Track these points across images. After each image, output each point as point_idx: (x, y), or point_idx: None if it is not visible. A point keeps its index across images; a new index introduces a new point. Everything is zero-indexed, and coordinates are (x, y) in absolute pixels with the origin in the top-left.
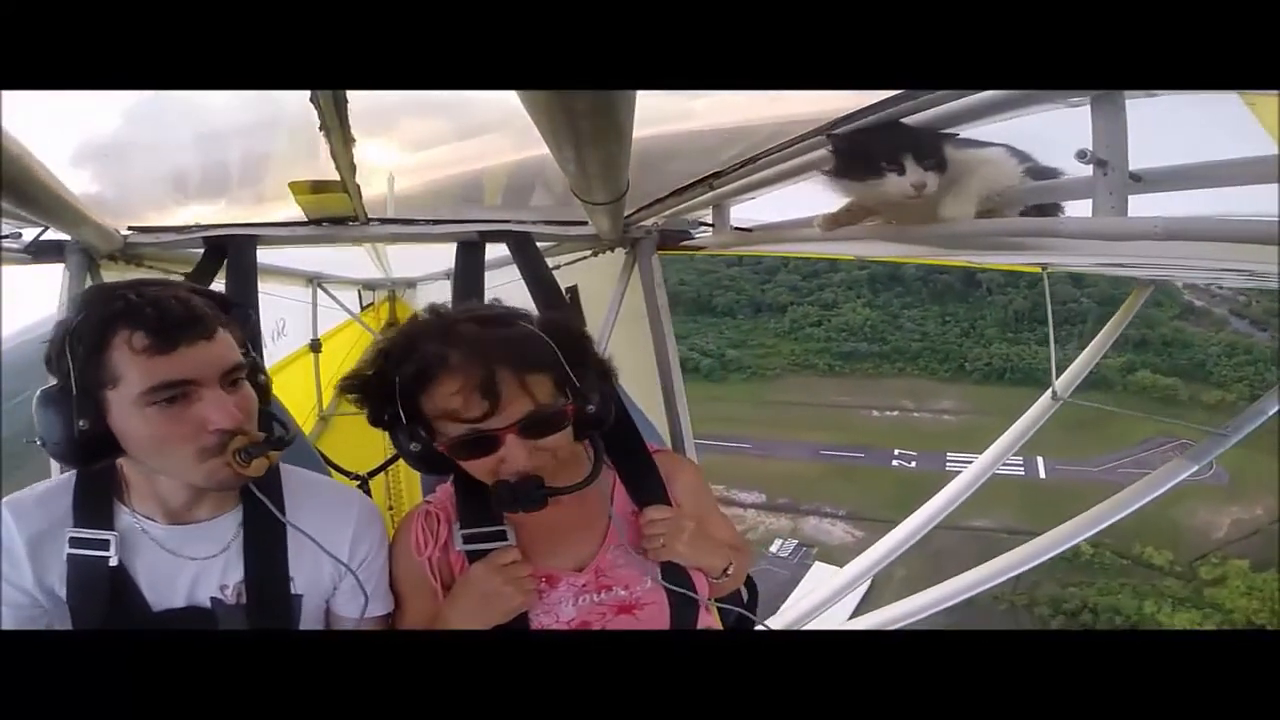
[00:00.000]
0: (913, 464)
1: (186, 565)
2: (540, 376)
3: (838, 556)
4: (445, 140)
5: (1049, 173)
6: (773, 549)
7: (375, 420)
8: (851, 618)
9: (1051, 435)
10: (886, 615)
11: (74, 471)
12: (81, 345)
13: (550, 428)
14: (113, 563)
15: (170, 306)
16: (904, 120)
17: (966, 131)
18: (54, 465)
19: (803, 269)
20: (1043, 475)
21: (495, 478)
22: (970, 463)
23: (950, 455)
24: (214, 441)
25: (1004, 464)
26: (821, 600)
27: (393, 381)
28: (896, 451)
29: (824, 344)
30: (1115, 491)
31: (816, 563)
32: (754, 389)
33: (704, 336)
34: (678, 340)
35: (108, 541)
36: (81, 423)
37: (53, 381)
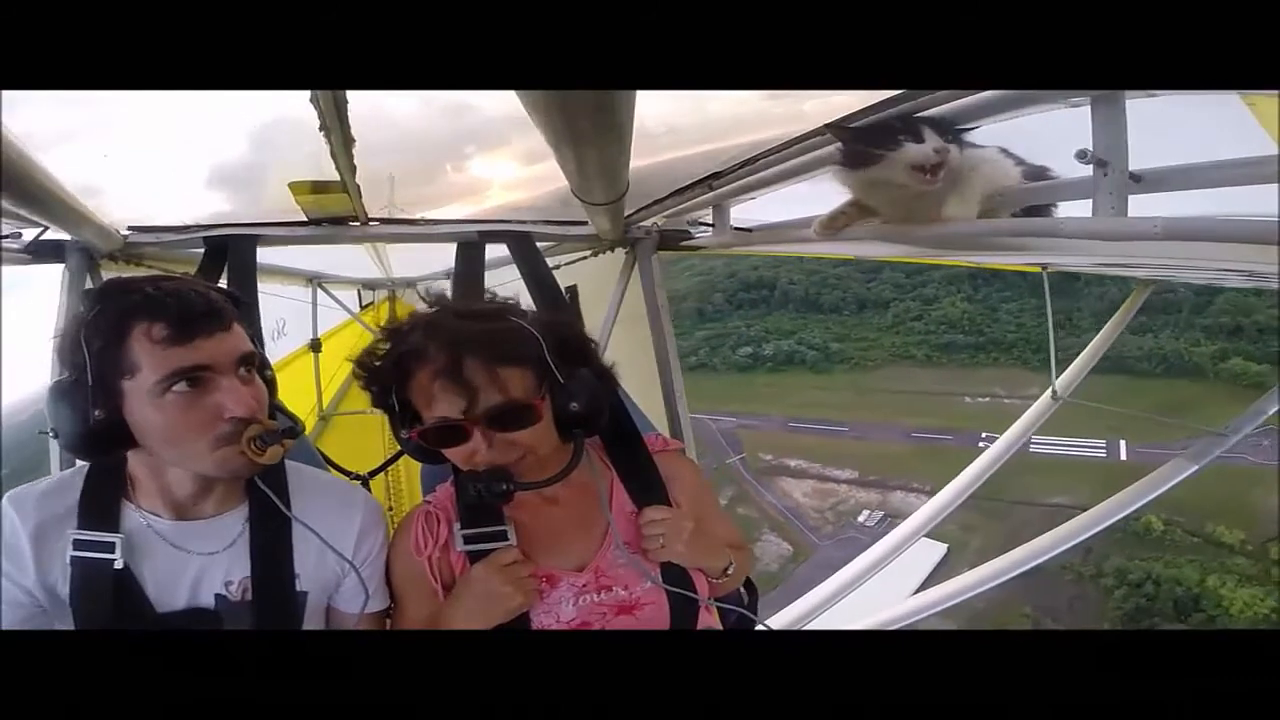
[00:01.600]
0: None
1: (191, 560)
2: (515, 370)
3: None
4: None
5: (1039, 172)
6: (860, 519)
7: (378, 405)
8: (920, 590)
9: (1137, 420)
10: (886, 615)
11: (79, 469)
12: (98, 337)
13: (520, 422)
14: (118, 565)
15: (190, 298)
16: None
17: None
18: (53, 465)
19: (906, 267)
20: (1124, 457)
21: (461, 474)
22: (1052, 446)
23: (1035, 439)
24: (228, 429)
25: (1085, 448)
26: (820, 601)
27: (387, 369)
28: (984, 434)
29: (923, 336)
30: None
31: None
32: (855, 379)
33: (811, 332)
34: (787, 335)
35: (113, 544)
36: (97, 413)
37: (64, 375)
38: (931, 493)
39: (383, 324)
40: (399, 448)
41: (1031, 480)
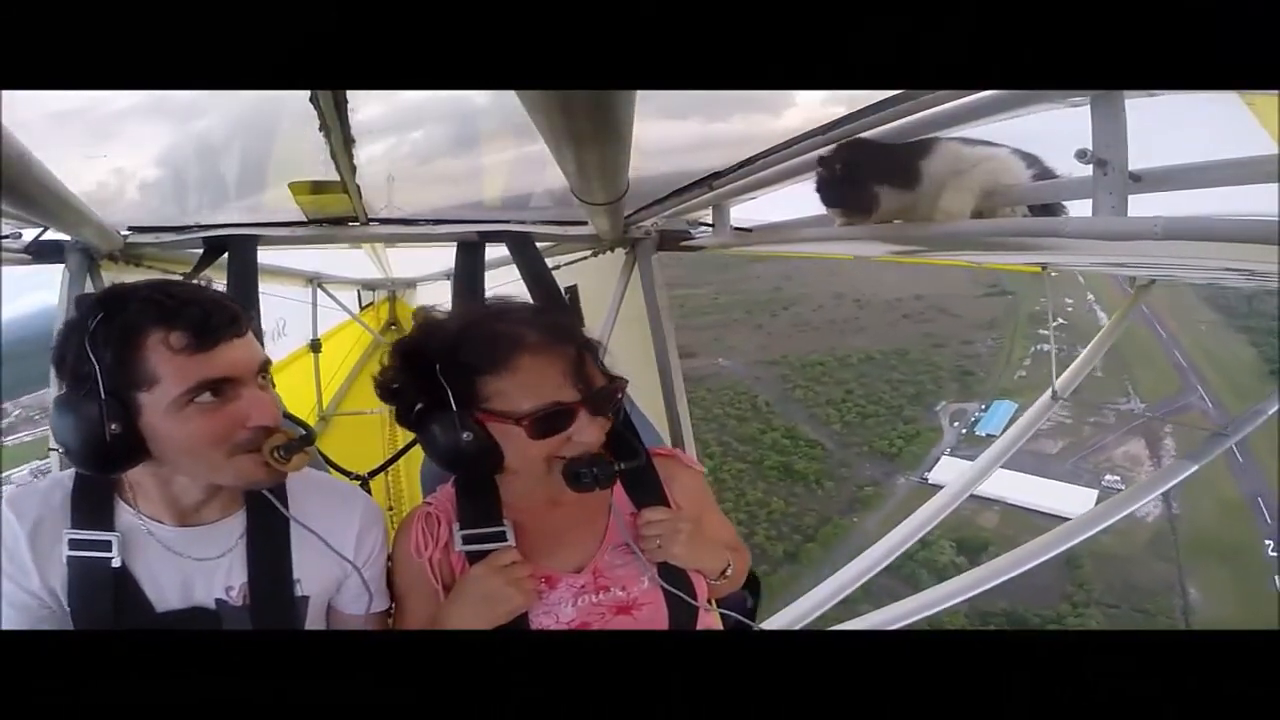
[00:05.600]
0: None
1: (192, 566)
2: (592, 358)
3: None
4: None
5: (1050, 173)
6: None
7: (405, 417)
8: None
9: None
10: (886, 615)
11: (71, 471)
12: (108, 348)
13: (611, 404)
14: (115, 564)
15: (209, 305)
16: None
17: (966, 132)
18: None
19: None
20: None
21: (554, 457)
22: None
23: None
24: (248, 438)
25: None
26: (820, 600)
27: (434, 370)
28: None
29: None
30: None
31: None
32: None
33: None
34: None
35: (109, 543)
36: (113, 426)
37: (67, 388)
38: None
39: (380, 334)
40: (399, 448)
41: None
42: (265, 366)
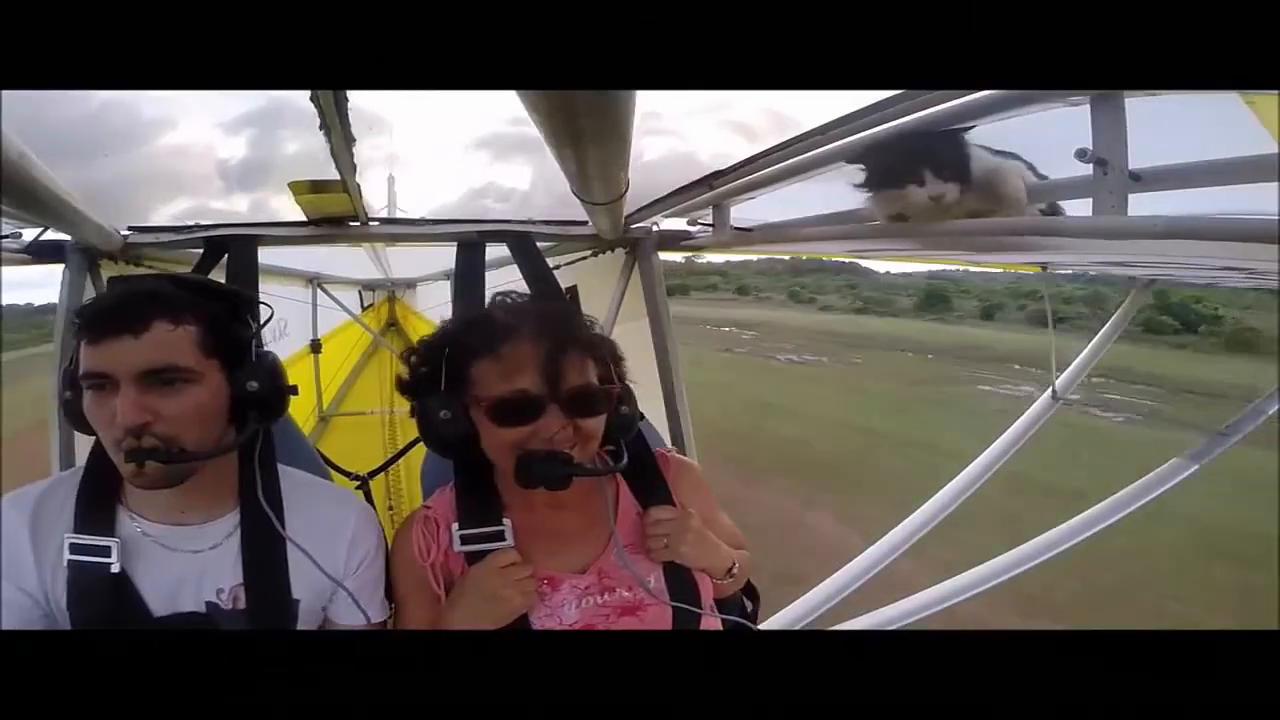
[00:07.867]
0: None
1: (182, 561)
2: (592, 362)
3: None
4: None
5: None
6: None
7: (417, 384)
8: None
9: None
10: (886, 615)
11: (75, 471)
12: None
13: (593, 408)
14: (114, 569)
15: (104, 299)
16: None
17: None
18: (54, 464)
19: None
20: None
21: (518, 448)
22: None
23: None
24: (121, 436)
25: None
26: (820, 600)
27: (442, 350)
28: None
29: None
30: None
31: None
32: None
33: None
34: None
35: (109, 548)
36: (67, 394)
37: None
38: None
39: (379, 333)
40: (399, 448)
41: None
42: (168, 370)
